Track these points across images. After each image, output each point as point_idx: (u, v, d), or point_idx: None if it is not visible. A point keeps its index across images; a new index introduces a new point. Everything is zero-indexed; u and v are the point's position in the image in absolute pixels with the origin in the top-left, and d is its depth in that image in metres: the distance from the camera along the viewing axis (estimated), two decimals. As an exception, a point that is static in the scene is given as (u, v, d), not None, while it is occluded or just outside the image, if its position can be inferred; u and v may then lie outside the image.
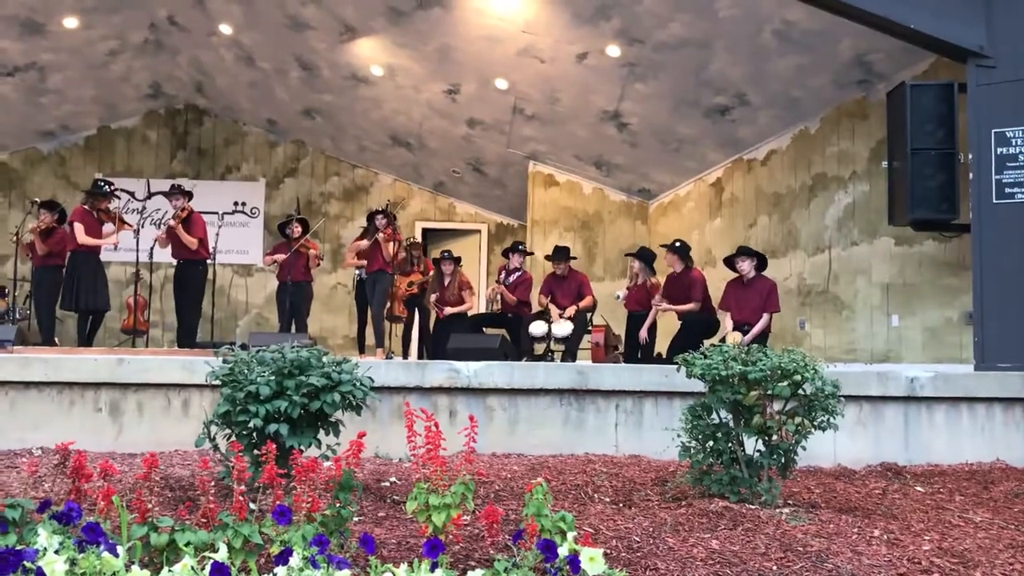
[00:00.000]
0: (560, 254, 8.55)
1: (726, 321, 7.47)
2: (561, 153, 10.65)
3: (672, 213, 10.76)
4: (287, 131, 11.95)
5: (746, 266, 7.36)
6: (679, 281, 7.93)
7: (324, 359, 4.00)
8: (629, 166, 10.50)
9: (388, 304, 8.39)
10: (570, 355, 8.08)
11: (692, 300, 7.76)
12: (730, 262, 7.52)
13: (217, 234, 8.22)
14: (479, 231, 12.35)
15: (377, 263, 8.45)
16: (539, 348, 8.36)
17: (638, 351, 8.15)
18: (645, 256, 8.31)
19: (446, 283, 8.81)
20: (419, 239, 9.82)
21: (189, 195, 8.37)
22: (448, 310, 8.64)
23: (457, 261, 8.89)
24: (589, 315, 8.61)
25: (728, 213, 9.66)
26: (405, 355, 9.19)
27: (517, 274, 8.65)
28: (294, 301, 8.39)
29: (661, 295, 7.97)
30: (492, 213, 12.35)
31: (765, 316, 7.24)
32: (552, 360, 7.97)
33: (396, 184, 12.16)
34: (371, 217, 8.73)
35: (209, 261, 8.19)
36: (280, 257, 8.59)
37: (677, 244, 7.99)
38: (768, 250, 8.75)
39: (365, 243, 8.50)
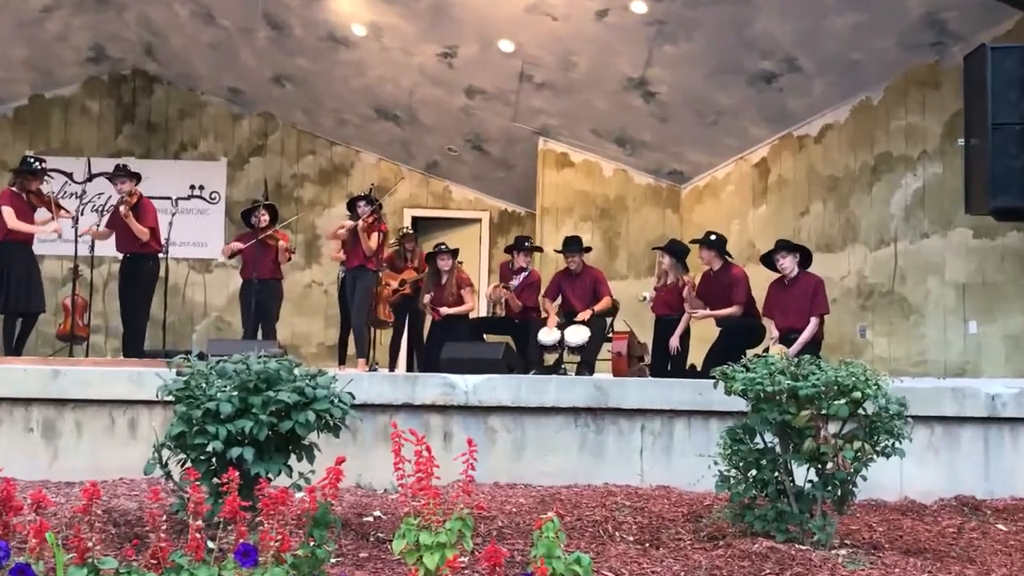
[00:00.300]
0: (572, 245, 8.60)
1: (771, 330, 7.49)
2: (577, 128, 10.63)
3: (708, 199, 10.74)
4: (253, 102, 11.97)
5: (787, 263, 7.38)
6: (717, 280, 7.94)
7: (296, 371, 4.02)
8: (657, 143, 10.48)
9: (372, 306, 8.42)
10: (587, 367, 8.12)
11: (733, 302, 7.77)
12: (768, 260, 7.54)
13: (170, 223, 8.20)
14: (479, 220, 12.35)
15: (357, 258, 8.49)
16: (550, 359, 8.39)
17: (668, 362, 8.18)
18: (676, 250, 8.30)
19: (442, 281, 8.83)
20: (411, 229, 9.78)
21: (137, 177, 8.39)
22: (444, 310, 8.70)
23: (454, 255, 8.91)
24: (609, 320, 8.66)
25: (775, 199, 9.66)
26: (392, 367, 9.19)
27: (523, 275, 8.71)
28: (261, 302, 8.40)
29: (695, 297, 8.01)
30: (495, 199, 12.35)
31: (813, 320, 7.25)
32: (565, 373, 7.98)
33: (381, 165, 12.16)
34: (352, 204, 8.75)
35: (161, 255, 8.19)
36: (238, 246, 8.59)
37: (712, 237, 8.01)
38: (822, 244, 8.77)
39: (344, 231, 8.56)
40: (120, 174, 8.33)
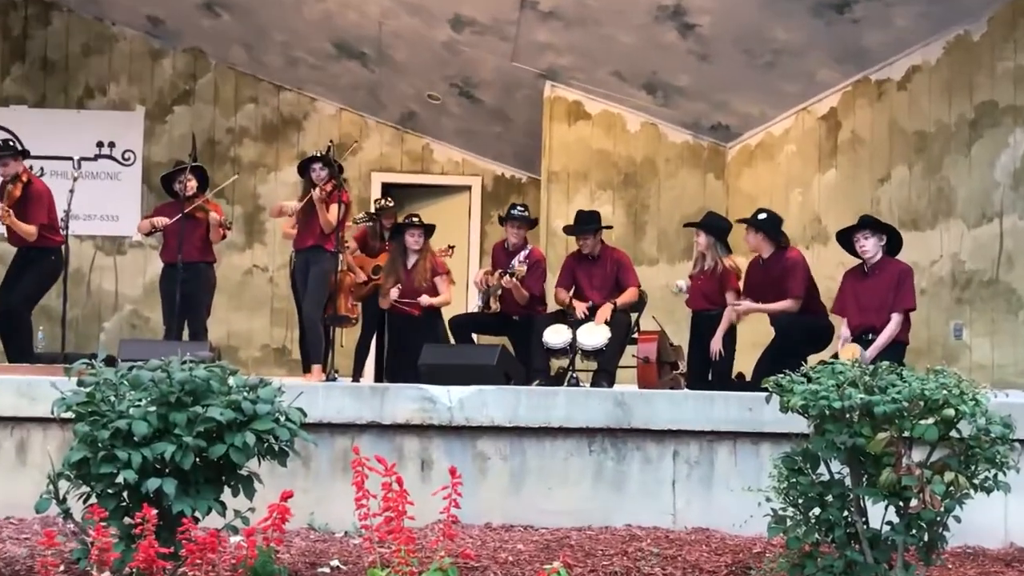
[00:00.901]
0: (585, 224, 8.65)
1: (842, 330, 7.51)
2: (594, 70, 10.59)
3: (762, 162, 10.72)
4: (178, 34, 11.92)
5: (870, 246, 7.41)
6: (767, 270, 7.99)
7: (232, 381, 4.04)
8: (697, 90, 10.44)
9: (331, 298, 8.44)
10: (605, 376, 8.17)
11: (789, 295, 7.80)
12: (847, 239, 7.57)
13: (71, 191, 8.18)
14: (468, 189, 12.35)
15: (311, 235, 8.53)
16: (558, 365, 8.44)
17: (708, 370, 8.21)
18: (714, 226, 8.36)
19: (410, 264, 8.88)
20: (390, 201, 9.80)
21: (23, 154, 8.39)
22: (427, 300, 8.70)
23: (428, 232, 8.97)
24: (635, 316, 8.68)
25: (847, 162, 9.65)
26: (357, 376, 9.19)
27: (523, 253, 8.74)
28: (188, 292, 8.38)
29: (741, 289, 8.03)
30: (488, 161, 12.30)
31: (896, 317, 7.27)
32: (578, 384, 8.00)
33: (343, 116, 12.16)
34: (305, 167, 8.74)
35: (64, 244, 8.21)
36: (163, 221, 8.60)
37: (761, 217, 8.04)
38: (907, 219, 8.77)
39: (296, 204, 8.60)
40: (2, 154, 8.34)
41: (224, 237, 8.86)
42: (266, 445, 3.95)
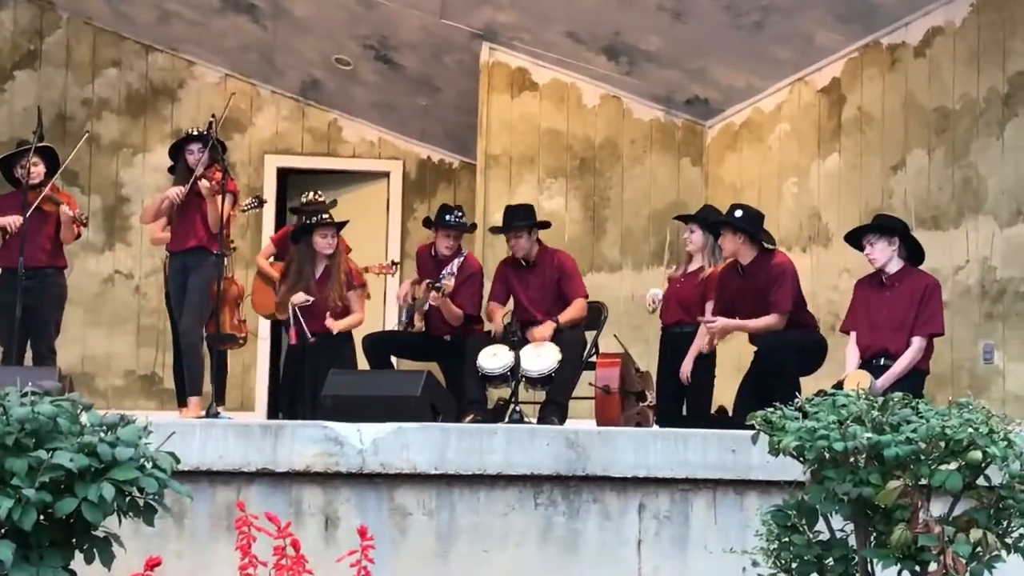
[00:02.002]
0: (515, 219, 8.73)
1: (850, 352, 7.56)
2: (542, 30, 10.60)
3: (748, 145, 10.79)
4: (19, -20, 11.92)
5: (877, 252, 7.49)
6: (749, 278, 8.03)
7: (85, 418, 3.98)
8: (669, 56, 10.48)
9: (213, 313, 8.42)
10: (556, 410, 8.22)
11: (775, 309, 7.85)
12: (857, 239, 7.65)
13: None
14: (385, 176, 12.45)
15: (191, 234, 8.55)
16: (497, 396, 8.60)
17: (681, 403, 8.27)
18: (713, 223, 8.39)
19: (318, 272, 8.83)
20: (319, 195, 9.76)
21: None
22: (333, 324, 8.66)
23: (336, 228, 8.91)
24: (593, 335, 8.77)
25: (853, 145, 9.70)
26: (250, 409, 9.40)
27: (456, 262, 8.79)
28: (31, 305, 8.35)
29: (714, 303, 8.10)
30: (411, 141, 12.35)
31: (917, 342, 7.33)
32: (521, 420, 8.01)
33: (229, 84, 12.13)
34: (179, 148, 8.73)
35: None
36: (14, 221, 8.50)
37: (738, 214, 8.09)
38: (926, 216, 8.82)
39: (177, 192, 8.57)
40: None
41: (79, 236, 8.85)
42: (128, 499, 3.90)
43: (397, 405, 7.04)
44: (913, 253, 7.58)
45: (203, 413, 7.97)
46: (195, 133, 8.71)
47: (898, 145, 9.24)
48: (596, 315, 8.80)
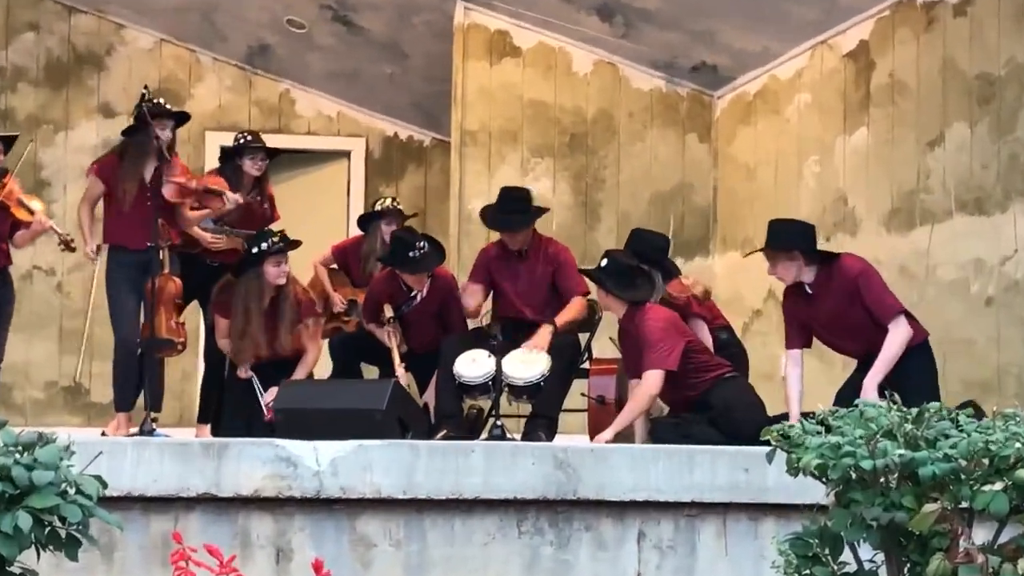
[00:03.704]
0: (515, 211, 8.73)
1: (788, 375, 7.76)
2: (526, -15, 10.73)
3: (763, 118, 10.85)
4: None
5: (781, 271, 7.76)
6: (627, 334, 8.11)
7: (-2, 436, 3.98)
8: (672, 16, 10.52)
9: (150, 315, 8.45)
10: (543, 424, 8.25)
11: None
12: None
13: None
14: (346, 155, 12.48)
15: (133, 224, 8.58)
16: (473, 406, 8.56)
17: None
18: (647, 249, 8.41)
19: (266, 302, 8.68)
20: (397, 203, 9.83)
21: None
22: (268, 401, 8.51)
23: (283, 248, 8.70)
24: (586, 338, 8.88)
25: (884, 118, 9.71)
26: (189, 424, 9.25)
27: (411, 301, 8.77)
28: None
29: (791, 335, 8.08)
30: (375, 115, 12.43)
31: (894, 326, 7.48)
32: (503, 436, 7.93)
33: (164, 50, 12.18)
34: (134, 131, 8.70)
35: None
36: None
37: (604, 264, 8.15)
38: (968, 198, 8.86)
39: (236, 198, 8.75)
40: None
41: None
42: (48, 530, 3.90)
43: (359, 420, 7.04)
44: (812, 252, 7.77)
45: (137, 430, 7.93)
46: (146, 102, 8.65)
47: (935, 117, 9.24)
48: (589, 315, 8.81)
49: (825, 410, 4.55)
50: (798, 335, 7.84)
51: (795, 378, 7.70)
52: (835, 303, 7.69)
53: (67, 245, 8.65)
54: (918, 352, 7.61)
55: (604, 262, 8.11)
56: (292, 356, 8.72)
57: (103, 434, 8.05)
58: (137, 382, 8.46)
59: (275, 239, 8.68)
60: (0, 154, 8.67)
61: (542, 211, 8.84)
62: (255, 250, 8.60)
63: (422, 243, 8.73)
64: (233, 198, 8.67)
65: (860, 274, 7.69)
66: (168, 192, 8.49)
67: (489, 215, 9.00)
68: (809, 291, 7.77)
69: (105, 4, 11.98)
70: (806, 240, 7.86)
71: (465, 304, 8.76)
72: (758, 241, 10.05)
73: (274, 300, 8.66)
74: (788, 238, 7.83)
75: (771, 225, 8.04)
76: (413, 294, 8.79)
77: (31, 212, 8.61)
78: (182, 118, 8.81)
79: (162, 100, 8.90)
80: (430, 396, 8.58)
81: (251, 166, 9.06)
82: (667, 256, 8.56)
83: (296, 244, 8.84)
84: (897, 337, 7.47)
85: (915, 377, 7.42)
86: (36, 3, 12.05)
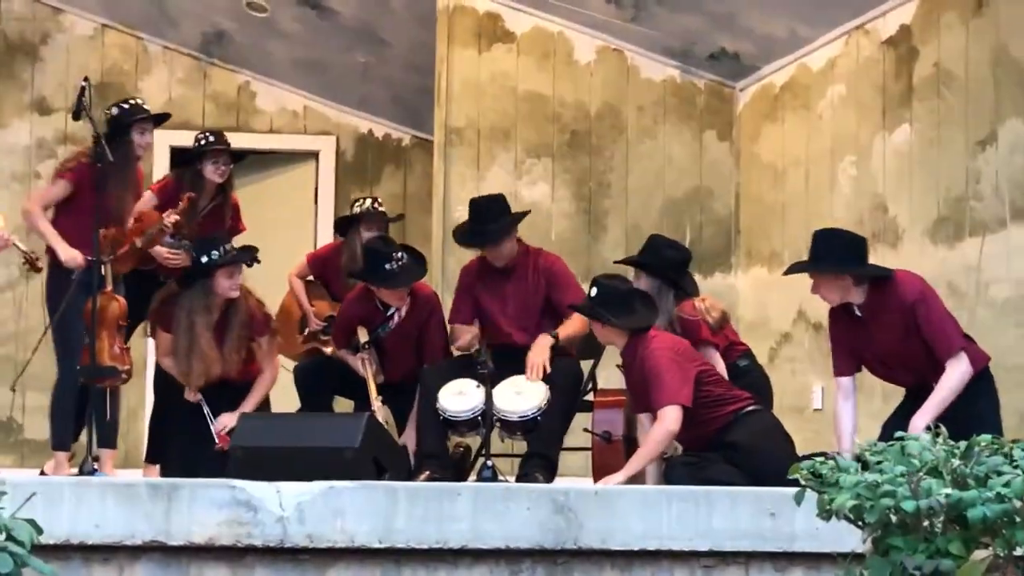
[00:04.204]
0: (486, 221, 8.67)
1: (839, 410, 7.63)
2: (520, -37, 10.77)
3: (792, 112, 10.84)
4: None
5: (825, 291, 7.55)
6: (630, 370, 7.99)
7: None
8: (688, -1, 10.29)
9: (90, 339, 8.43)
10: (540, 465, 8.18)
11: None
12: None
13: None
14: (314, 156, 12.70)
15: (86, 237, 8.50)
16: (459, 444, 8.68)
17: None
18: (661, 262, 8.40)
19: (214, 310, 8.73)
20: (379, 204, 9.77)
21: None
22: (222, 429, 8.60)
23: (245, 254, 8.82)
24: (590, 365, 9.00)
25: (928, 114, 9.58)
26: (136, 465, 9.26)
27: (388, 323, 8.77)
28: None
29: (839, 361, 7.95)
30: (348, 111, 12.62)
31: (951, 364, 7.27)
32: (495, 478, 8.01)
33: (108, 36, 12.33)
34: (111, 137, 8.60)
35: None
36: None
37: (593, 293, 8.04)
38: (1019, 202, 8.69)
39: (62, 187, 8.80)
40: None
41: None
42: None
43: (329, 459, 7.02)
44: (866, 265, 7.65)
45: (73, 470, 8.04)
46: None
47: (987, 113, 9.11)
48: (594, 339, 8.56)
49: (861, 445, 4.59)
50: (847, 361, 7.69)
51: (847, 412, 7.60)
52: (888, 331, 7.57)
53: (32, 265, 8.62)
54: (977, 379, 7.46)
55: (593, 291, 8.04)
56: (243, 379, 8.82)
57: (42, 473, 8.37)
58: (78, 416, 8.54)
59: (228, 246, 8.74)
60: None
61: (521, 216, 8.81)
62: (204, 259, 8.62)
63: (400, 254, 8.73)
64: (170, 220, 8.66)
65: (919, 300, 7.51)
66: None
67: (460, 232, 9.02)
68: (858, 313, 7.63)
69: (42, -15, 12.30)
70: (856, 257, 7.67)
71: (457, 343, 8.78)
72: (788, 256, 10.30)
73: (223, 314, 8.73)
74: (837, 257, 7.66)
75: (815, 238, 7.84)
76: (390, 313, 8.80)
77: None
78: (160, 120, 9.01)
79: (140, 100, 9.06)
80: (410, 437, 8.56)
81: (213, 171, 9.01)
82: (685, 271, 8.47)
83: (253, 256, 8.89)
84: (955, 375, 7.36)
85: (973, 406, 7.34)
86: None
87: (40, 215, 8.90)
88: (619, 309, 7.90)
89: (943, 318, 7.51)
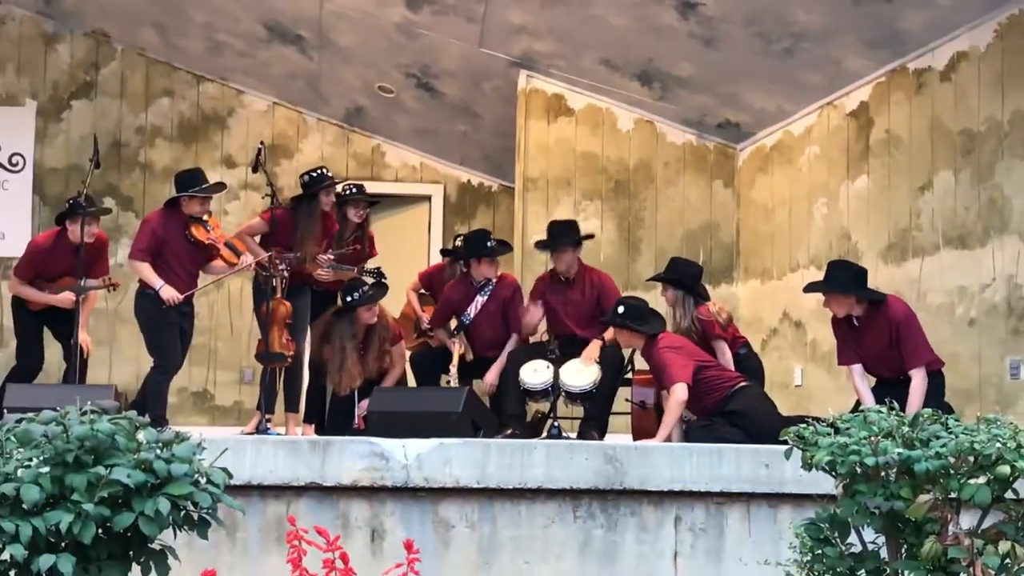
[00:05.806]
0: (562, 235, 8.75)
1: (859, 388, 7.79)
2: (578, 57, 10.62)
3: (779, 167, 10.81)
4: (77, 15, 11.86)
5: (835, 306, 7.74)
6: (651, 363, 8.09)
7: (141, 436, 4.00)
8: (701, 81, 10.48)
9: (265, 332, 8.47)
10: (595, 425, 8.26)
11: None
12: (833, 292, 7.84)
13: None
14: (427, 198, 12.47)
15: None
16: (536, 410, 8.65)
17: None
18: (683, 276, 8.54)
19: (359, 334, 8.65)
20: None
21: None
22: (389, 386, 8.65)
23: (379, 291, 8.74)
24: (631, 351, 8.77)
25: (881, 167, 9.64)
26: (305, 422, 9.14)
27: (481, 299, 8.81)
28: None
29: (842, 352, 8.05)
30: (452, 165, 12.39)
31: (915, 374, 7.53)
32: (560, 435, 8.05)
33: (277, 112, 12.27)
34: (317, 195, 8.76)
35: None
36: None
37: (620, 311, 8.11)
38: (953, 235, 8.80)
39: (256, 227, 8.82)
40: None
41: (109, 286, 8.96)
42: (183, 513, 3.92)
43: (439, 421, 7.03)
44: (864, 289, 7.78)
45: (256, 429, 8.07)
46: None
47: (925, 167, 9.19)
48: None
49: (834, 415, 4.52)
50: (852, 351, 7.85)
51: (865, 387, 7.74)
52: (877, 340, 7.74)
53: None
54: (933, 376, 7.70)
55: (621, 308, 8.13)
56: (380, 374, 8.74)
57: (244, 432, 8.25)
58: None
59: (366, 288, 8.67)
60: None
61: (585, 238, 8.83)
62: (348, 299, 8.57)
63: (489, 242, 8.95)
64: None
65: (903, 321, 7.73)
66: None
67: (539, 242, 9.06)
68: (856, 323, 7.80)
69: (228, 73, 12.06)
70: (861, 285, 7.89)
71: (526, 321, 8.75)
72: (776, 272, 10.40)
73: (366, 335, 8.66)
74: (847, 283, 7.86)
75: (831, 267, 8.09)
76: (482, 285, 8.82)
77: (237, 255, 8.67)
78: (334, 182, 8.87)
79: (324, 169, 9.00)
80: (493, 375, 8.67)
81: (354, 214, 9.04)
82: (699, 282, 8.61)
83: (383, 290, 8.84)
84: (918, 385, 7.53)
85: (928, 401, 7.38)
86: (171, 73, 12.11)
87: (243, 237, 8.83)
88: (639, 321, 8.05)
89: (917, 338, 7.71)
